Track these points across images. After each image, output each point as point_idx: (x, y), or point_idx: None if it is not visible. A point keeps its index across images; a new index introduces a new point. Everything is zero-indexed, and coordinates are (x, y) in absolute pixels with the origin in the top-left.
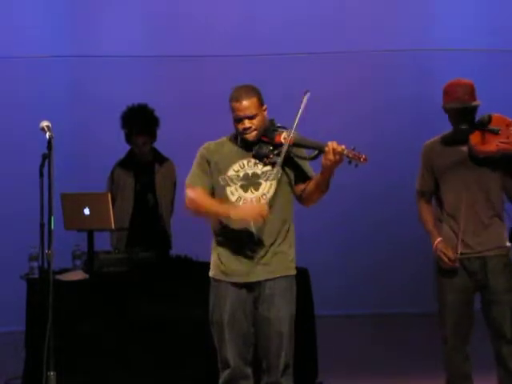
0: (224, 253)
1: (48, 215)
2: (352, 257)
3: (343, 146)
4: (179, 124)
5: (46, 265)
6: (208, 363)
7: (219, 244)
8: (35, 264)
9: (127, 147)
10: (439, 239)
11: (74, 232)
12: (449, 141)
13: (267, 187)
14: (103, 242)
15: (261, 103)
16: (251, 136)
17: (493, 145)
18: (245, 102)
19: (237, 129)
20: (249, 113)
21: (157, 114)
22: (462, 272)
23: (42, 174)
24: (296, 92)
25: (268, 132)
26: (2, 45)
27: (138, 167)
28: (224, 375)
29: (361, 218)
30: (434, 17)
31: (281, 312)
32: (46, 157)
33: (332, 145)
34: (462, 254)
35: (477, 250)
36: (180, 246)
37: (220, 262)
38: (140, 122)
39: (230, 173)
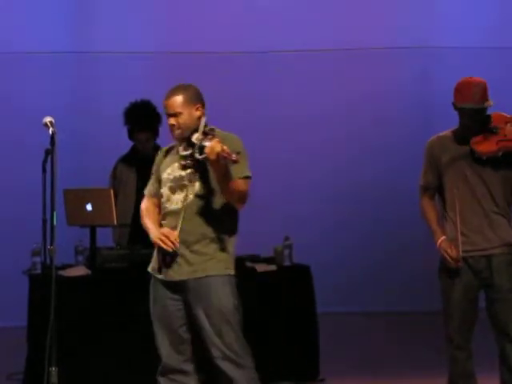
0: (157, 249)
1: (50, 211)
2: (355, 254)
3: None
4: None
5: (48, 260)
6: (209, 358)
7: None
8: (37, 259)
9: (129, 143)
10: (443, 238)
11: (77, 228)
12: (455, 138)
13: (190, 189)
14: (105, 238)
15: (190, 102)
16: (175, 134)
17: (493, 144)
18: (169, 100)
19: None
20: (171, 110)
21: (159, 110)
22: (466, 270)
23: (44, 170)
24: (297, 89)
25: (213, 130)
26: (3, 40)
27: (140, 163)
28: (159, 368)
29: (365, 217)
30: (435, 15)
31: (207, 309)
32: (49, 152)
33: (211, 145)
34: (467, 251)
35: (482, 247)
36: None
37: (154, 258)
38: (143, 118)
39: (164, 175)
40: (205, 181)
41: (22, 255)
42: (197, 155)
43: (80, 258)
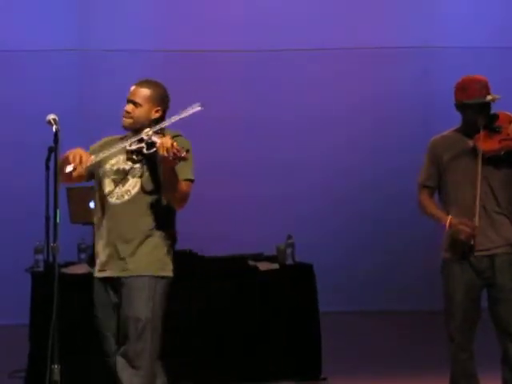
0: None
1: (54, 209)
2: (356, 254)
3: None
4: (188, 118)
5: (51, 258)
6: (206, 354)
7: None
8: (40, 257)
9: None
10: (450, 217)
11: (80, 225)
12: (458, 136)
13: (133, 184)
14: None
15: (153, 101)
16: (125, 122)
17: (495, 142)
18: (137, 88)
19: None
20: (133, 98)
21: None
22: (468, 270)
23: (47, 168)
24: (301, 88)
25: (150, 130)
26: (8, 38)
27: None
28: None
29: (367, 217)
30: (437, 15)
31: (132, 311)
32: (53, 150)
33: (162, 140)
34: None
35: (485, 247)
36: (184, 241)
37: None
38: None
39: (107, 166)
40: (149, 177)
41: (24, 253)
42: (144, 150)
43: (83, 255)
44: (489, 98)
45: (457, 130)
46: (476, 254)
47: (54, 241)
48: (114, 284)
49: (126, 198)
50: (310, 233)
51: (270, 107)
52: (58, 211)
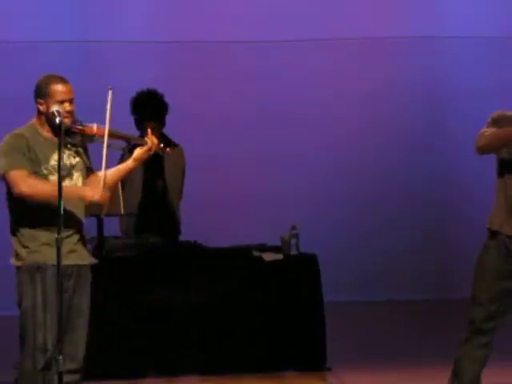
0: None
1: (58, 200)
2: (364, 245)
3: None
4: (190, 110)
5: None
6: (210, 344)
7: None
8: None
9: (136, 133)
10: None
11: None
12: None
13: (76, 178)
14: (113, 228)
15: None
16: (69, 120)
17: None
18: (69, 85)
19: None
20: (72, 96)
21: (167, 99)
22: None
23: None
24: (303, 78)
25: (76, 123)
26: (9, 29)
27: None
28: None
29: (375, 209)
30: (443, 4)
31: (82, 303)
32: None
33: (152, 138)
34: None
35: None
36: (189, 232)
37: None
38: (150, 107)
39: (52, 162)
40: (85, 172)
41: None
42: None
43: (87, 247)
44: None
45: None
46: None
47: (58, 232)
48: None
49: None
50: (315, 224)
51: (273, 102)
52: (61, 203)
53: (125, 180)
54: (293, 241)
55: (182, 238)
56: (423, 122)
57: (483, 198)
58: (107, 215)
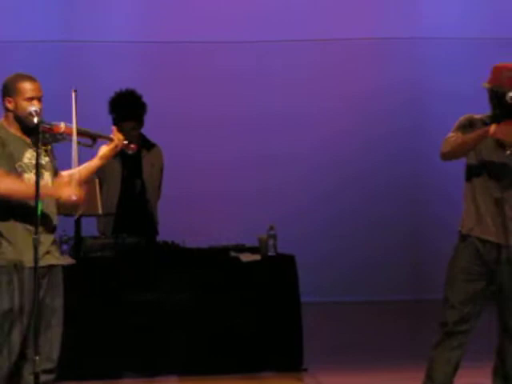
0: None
1: (35, 201)
2: (343, 246)
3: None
4: (170, 110)
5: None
6: (188, 345)
7: None
8: None
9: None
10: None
11: (61, 217)
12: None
13: (47, 178)
14: (90, 228)
15: None
16: (38, 119)
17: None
18: (38, 83)
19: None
20: (41, 94)
21: (146, 99)
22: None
23: None
24: (284, 79)
25: (44, 122)
26: None
27: (125, 153)
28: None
29: (355, 211)
30: (424, 5)
31: (55, 303)
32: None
33: (118, 135)
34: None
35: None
36: (167, 232)
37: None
38: (128, 107)
39: (25, 160)
40: (53, 171)
41: None
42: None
43: (65, 247)
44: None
45: (487, 117)
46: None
47: (36, 232)
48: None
49: None
50: (294, 225)
51: (255, 101)
52: (39, 203)
53: (103, 180)
54: (270, 241)
55: (159, 238)
56: (407, 123)
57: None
58: (85, 215)
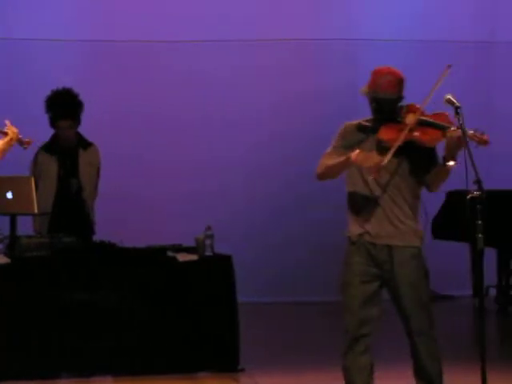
0: None
1: None
2: (280, 247)
3: None
4: (109, 108)
5: None
6: (122, 345)
7: None
8: None
9: (50, 131)
10: (357, 151)
11: None
12: (366, 128)
13: None
14: (26, 227)
15: None
16: None
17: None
18: None
19: None
20: None
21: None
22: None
23: None
24: (224, 79)
25: None
26: None
27: (61, 151)
28: None
29: (296, 213)
30: (359, 7)
31: None
32: None
33: (12, 129)
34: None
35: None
36: (103, 232)
37: None
38: (64, 106)
39: None
40: None
41: None
42: None
43: (0, 246)
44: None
45: (365, 121)
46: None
47: None
48: None
49: None
50: (232, 225)
51: (191, 102)
52: None
53: (39, 179)
54: (207, 241)
55: (96, 237)
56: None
57: None
58: (20, 214)
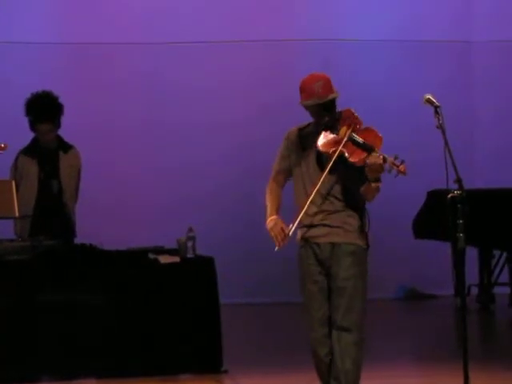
0: None
1: None
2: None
3: None
4: (88, 111)
5: None
6: (108, 346)
7: None
8: None
9: (30, 135)
10: (273, 217)
11: None
12: (308, 133)
13: None
14: (6, 230)
15: None
16: None
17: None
18: None
19: None
20: None
21: (62, 101)
22: None
23: None
24: (192, 81)
25: None
26: None
27: (42, 155)
28: None
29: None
30: (338, 7)
31: None
32: None
33: None
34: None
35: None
36: (84, 234)
37: None
38: (44, 109)
39: None
40: None
41: None
42: None
43: None
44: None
45: (308, 125)
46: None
47: None
48: None
49: None
50: (214, 228)
51: (176, 109)
52: None
53: (19, 182)
54: (189, 243)
55: (77, 240)
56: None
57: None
58: (1, 217)
